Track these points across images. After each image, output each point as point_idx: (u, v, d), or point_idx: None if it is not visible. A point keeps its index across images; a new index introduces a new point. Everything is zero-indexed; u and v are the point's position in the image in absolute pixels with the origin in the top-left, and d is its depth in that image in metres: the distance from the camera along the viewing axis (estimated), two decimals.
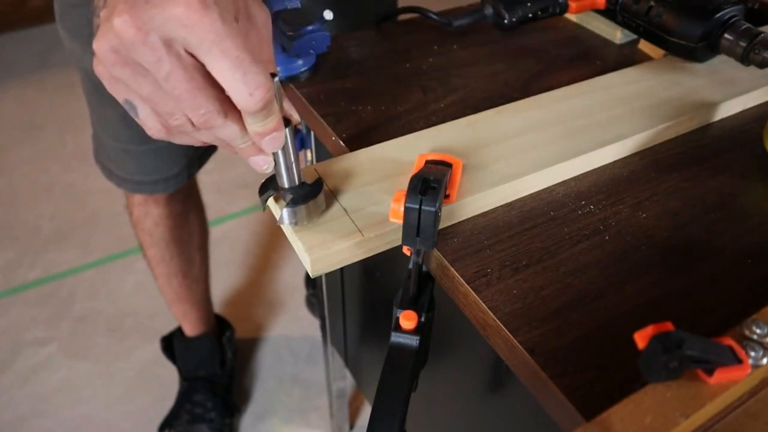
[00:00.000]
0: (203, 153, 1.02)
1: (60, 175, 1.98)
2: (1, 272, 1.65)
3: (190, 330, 1.27)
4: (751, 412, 0.37)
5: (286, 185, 0.47)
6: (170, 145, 0.92)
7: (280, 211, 0.47)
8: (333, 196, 0.51)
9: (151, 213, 1.05)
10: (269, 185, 0.49)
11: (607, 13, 0.76)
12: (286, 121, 0.44)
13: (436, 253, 0.49)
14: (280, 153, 0.45)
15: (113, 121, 0.89)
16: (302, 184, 0.48)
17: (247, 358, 1.46)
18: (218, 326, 1.36)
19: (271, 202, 0.49)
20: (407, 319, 0.45)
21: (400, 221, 0.44)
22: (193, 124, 0.37)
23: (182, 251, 1.13)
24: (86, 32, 0.80)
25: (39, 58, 2.54)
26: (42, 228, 1.79)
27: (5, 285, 1.62)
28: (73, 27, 0.82)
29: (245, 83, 0.34)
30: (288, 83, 0.69)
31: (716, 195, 0.55)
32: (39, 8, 2.67)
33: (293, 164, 0.46)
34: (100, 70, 0.35)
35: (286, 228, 0.49)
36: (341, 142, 0.61)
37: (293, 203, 0.47)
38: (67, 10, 0.82)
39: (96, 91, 0.87)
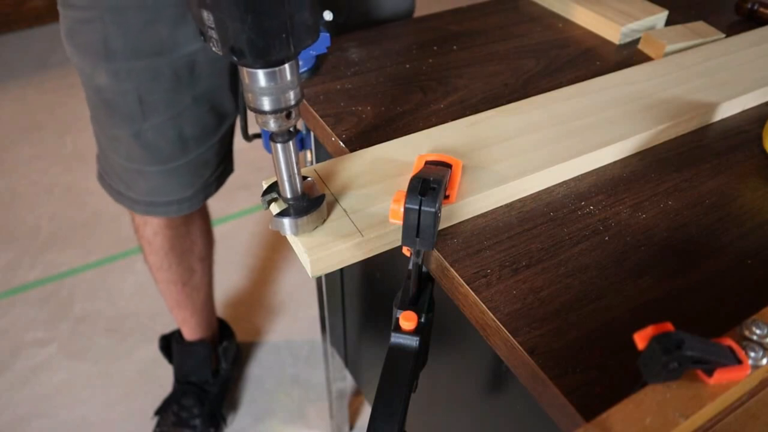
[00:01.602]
0: (220, 175, 0.98)
1: (60, 176, 1.98)
2: (1, 273, 1.65)
3: (189, 335, 1.27)
4: (751, 412, 0.37)
5: (289, 195, 0.47)
6: (185, 165, 0.89)
7: (281, 218, 0.47)
8: (333, 197, 0.51)
9: (150, 222, 1.03)
10: (273, 188, 0.49)
11: None
12: (291, 134, 0.44)
13: (435, 253, 0.49)
14: (283, 165, 0.45)
15: (125, 141, 0.85)
16: (304, 195, 0.48)
17: (247, 358, 1.46)
18: (219, 333, 1.36)
19: (273, 206, 0.49)
20: (407, 320, 0.45)
21: (400, 222, 0.44)
22: None
23: (182, 261, 1.12)
24: (98, 48, 0.76)
25: (39, 59, 2.54)
26: (42, 228, 1.79)
27: (5, 285, 1.62)
28: (84, 44, 0.77)
29: None
30: None
31: (716, 196, 0.55)
32: (39, 8, 2.68)
33: (296, 176, 0.47)
34: None
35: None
36: (341, 143, 0.61)
37: (295, 214, 0.47)
38: (77, 26, 0.77)
39: (107, 110, 0.83)
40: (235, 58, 0.38)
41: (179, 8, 0.75)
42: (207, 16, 0.36)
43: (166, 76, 0.79)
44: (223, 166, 0.98)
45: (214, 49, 0.38)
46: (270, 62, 0.39)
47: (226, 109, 0.89)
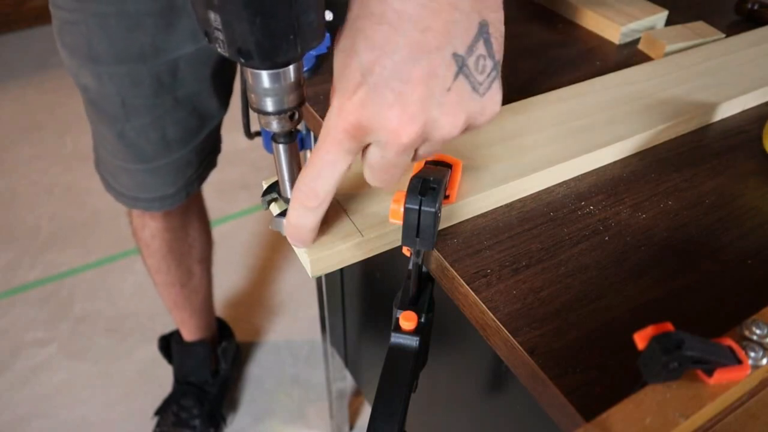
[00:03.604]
0: (203, 172, 1.00)
1: (60, 176, 1.98)
2: (1, 273, 1.65)
3: (188, 335, 1.27)
4: (751, 412, 0.37)
5: (289, 195, 0.47)
6: (168, 165, 0.90)
7: (281, 218, 0.47)
8: (333, 196, 0.51)
9: (148, 225, 1.04)
10: (273, 188, 0.49)
11: None
12: (293, 134, 0.44)
13: (435, 253, 0.49)
14: (284, 165, 0.45)
15: (110, 139, 0.87)
16: None
17: (247, 358, 1.46)
18: (219, 333, 1.36)
19: (273, 206, 0.49)
20: (407, 320, 0.45)
21: (400, 222, 0.44)
22: None
23: (180, 263, 1.12)
24: (84, 51, 0.77)
25: (39, 59, 2.55)
26: (42, 228, 1.79)
27: (5, 285, 1.62)
28: (71, 44, 0.79)
29: None
30: None
31: (715, 196, 0.55)
32: (39, 8, 2.68)
33: (297, 176, 0.46)
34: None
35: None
36: None
37: None
38: (66, 27, 0.78)
39: (93, 108, 0.85)
40: (242, 60, 0.38)
41: (160, 18, 0.75)
42: (214, 18, 0.36)
43: (147, 81, 0.80)
44: (206, 163, 0.99)
45: (219, 50, 0.38)
46: (276, 63, 0.39)
47: (209, 112, 0.90)
